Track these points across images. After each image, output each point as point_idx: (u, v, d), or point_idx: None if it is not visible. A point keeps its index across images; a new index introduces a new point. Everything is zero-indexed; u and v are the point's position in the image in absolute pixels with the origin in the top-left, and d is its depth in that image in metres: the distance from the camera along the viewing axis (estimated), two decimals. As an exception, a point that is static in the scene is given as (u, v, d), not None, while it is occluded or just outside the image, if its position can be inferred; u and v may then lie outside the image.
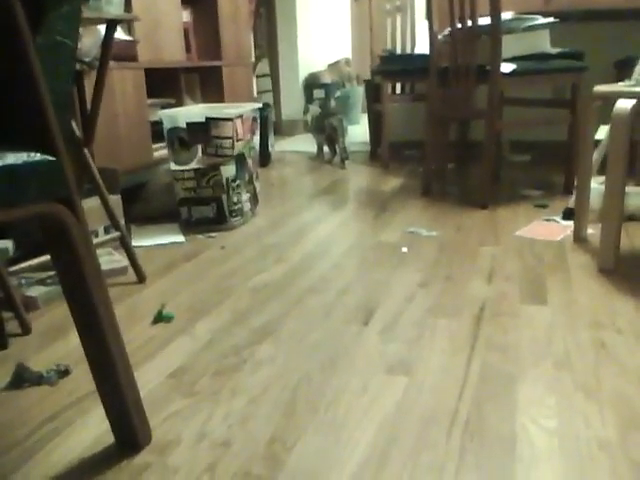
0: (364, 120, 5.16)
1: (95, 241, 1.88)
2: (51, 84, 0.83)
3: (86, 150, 1.82)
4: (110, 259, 2.00)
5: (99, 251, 2.03)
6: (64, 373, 1.33)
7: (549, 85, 3.38)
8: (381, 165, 3.65)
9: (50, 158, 0.78)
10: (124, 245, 1.86)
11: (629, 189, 2.10)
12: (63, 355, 1.41)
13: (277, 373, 1.28)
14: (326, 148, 3.89)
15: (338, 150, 3.70)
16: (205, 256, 2.12)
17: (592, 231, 2.15)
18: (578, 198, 2.09)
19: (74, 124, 1.84)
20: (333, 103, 3.80)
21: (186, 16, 3.08)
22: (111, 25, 1.68)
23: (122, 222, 2.25)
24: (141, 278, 1.88)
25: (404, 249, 2.08)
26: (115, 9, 1.65)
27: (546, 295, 1.64)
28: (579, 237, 2.11)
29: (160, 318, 1.58)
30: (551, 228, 2.25)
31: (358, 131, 5.11)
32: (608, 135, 2.31)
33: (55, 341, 1.49)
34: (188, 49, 3.04)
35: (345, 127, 3.64)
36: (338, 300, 1.66)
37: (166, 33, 2.75)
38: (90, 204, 2.06)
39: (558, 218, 2.36)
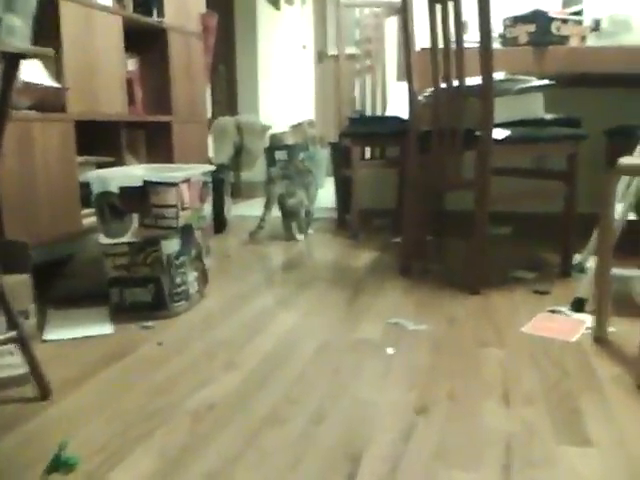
0: (328, 184, 4.82)
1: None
2: None
3: (-23, 221, 1.38)
4: (6, 363, 1.52)
5: (-5, 351, 1.55)
6: None
7: (541, 154, 3.09)
8: (350, 235, 3.27)
9: None
10: (23, 349, 1.39)
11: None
12: None
13: None
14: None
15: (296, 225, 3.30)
16: (136, 357, 1.65)
17: (612, 329, 1.78)
18: (599, 288, 1.73)
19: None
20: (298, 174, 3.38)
21: (131, 65, 2.70)
22: (13, 61, 1.26)
23: (31, 307, 1.79)
24: (44, 393, 1.40)
25: (390, 350, 1.66)
26: (19, 40, 1.24)
27: (586, 429, 1.24)
28: (600, 337, 1.73)
29: (57, 465, 1.10)
30: (562, 323, 1.88)
31: (322, 196, 4.75)
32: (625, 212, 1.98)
33: None
34: (132, 101, 2.64)
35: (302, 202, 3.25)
36: (309, 436, 1.22)
37: (104, 81, 2.35)
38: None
39: (566, 309, 1.99)
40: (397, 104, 3.48)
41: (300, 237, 3.26)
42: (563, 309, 1.99)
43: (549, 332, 1.80)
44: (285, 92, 5.77)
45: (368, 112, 3.56)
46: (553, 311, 1.99)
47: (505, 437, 1.20)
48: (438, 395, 1.39)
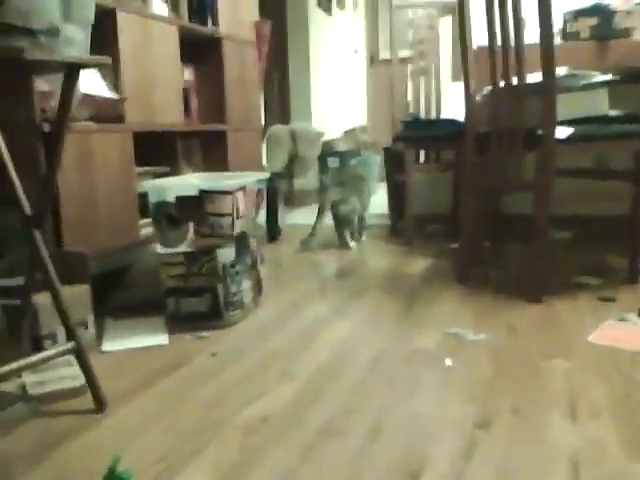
0: (381, 190, 4.76)
1: (45, 354, 1.42)
2: None
3: (37, 232, 1.40)
4: (64, 374, 1.54)
5: (54, 361, 1.57)
6: None
7: (601, 153, 2.95)
8: (403, 242, 3.22)
9: None
10: (80, 360, 1.40)
11: None
12: None
13: None
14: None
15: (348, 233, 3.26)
16: (191, 368, 1.65)
17: (687, 338, 1.68)
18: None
19: (24, 198, 1.42)
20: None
21: (187, 75, 2.72)
22: (72, 71, 1.28)
23: (89, 318, 1.82)
24: (100, 405, 1.41)
25: (448, 362, 1.61)
26: (77, 51, 1.25)
27: (661, 447, 1.16)
28: (674, 348, 1.64)
29: (111, 479, 1.10)
30: (631, 332, 1.78)
31: (375, 202, 4.69)
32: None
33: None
34: (187, 111, 2.67)
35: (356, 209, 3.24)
36: (367, 450, 1.18)
37: (161, 92, 2.38)
38: (45, 300, 1.62)
39: (634, 317, 1.89)
40: (452, 106, 3.42)
41: (353, 244, 3.22)
42: (631, 317, 1.89)
43: (617, 341, 1.71)
44: (338, 98, 5.75)
45: (422, 115, 3.50)
46: (621, 319, 1.89)
47: (572, 453, 1.14)
48: (500, 409, 1.33)
